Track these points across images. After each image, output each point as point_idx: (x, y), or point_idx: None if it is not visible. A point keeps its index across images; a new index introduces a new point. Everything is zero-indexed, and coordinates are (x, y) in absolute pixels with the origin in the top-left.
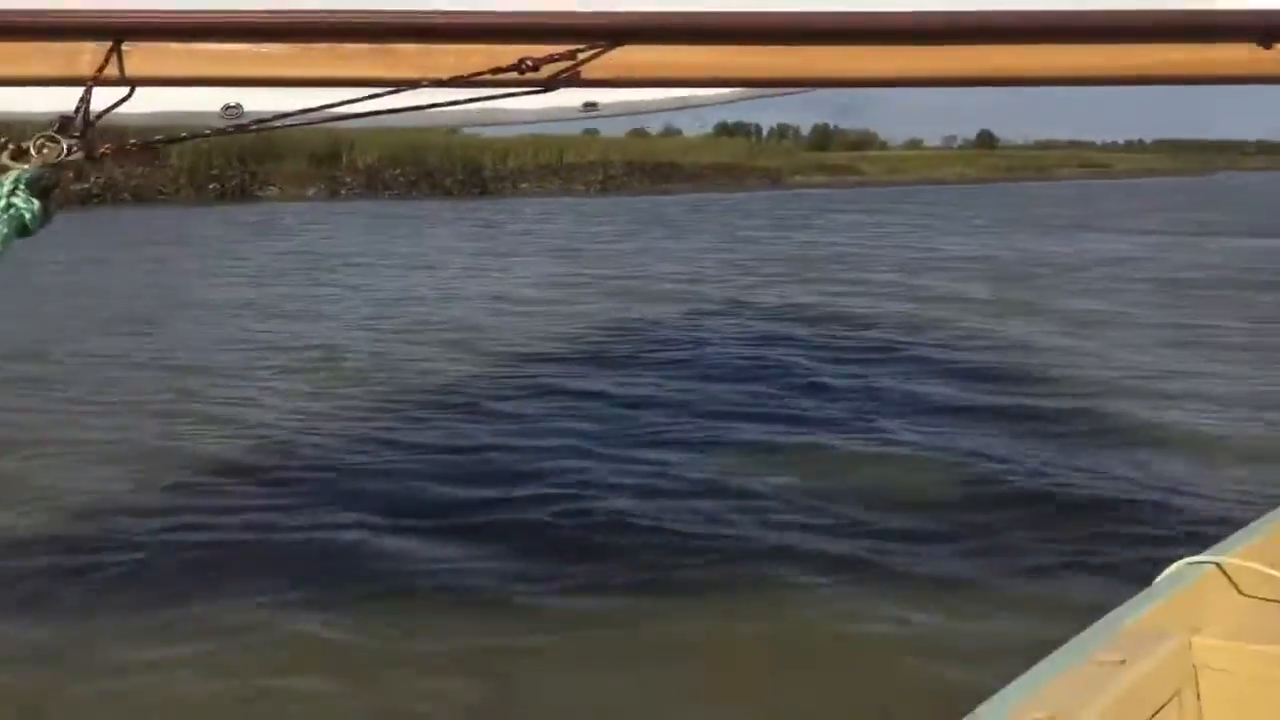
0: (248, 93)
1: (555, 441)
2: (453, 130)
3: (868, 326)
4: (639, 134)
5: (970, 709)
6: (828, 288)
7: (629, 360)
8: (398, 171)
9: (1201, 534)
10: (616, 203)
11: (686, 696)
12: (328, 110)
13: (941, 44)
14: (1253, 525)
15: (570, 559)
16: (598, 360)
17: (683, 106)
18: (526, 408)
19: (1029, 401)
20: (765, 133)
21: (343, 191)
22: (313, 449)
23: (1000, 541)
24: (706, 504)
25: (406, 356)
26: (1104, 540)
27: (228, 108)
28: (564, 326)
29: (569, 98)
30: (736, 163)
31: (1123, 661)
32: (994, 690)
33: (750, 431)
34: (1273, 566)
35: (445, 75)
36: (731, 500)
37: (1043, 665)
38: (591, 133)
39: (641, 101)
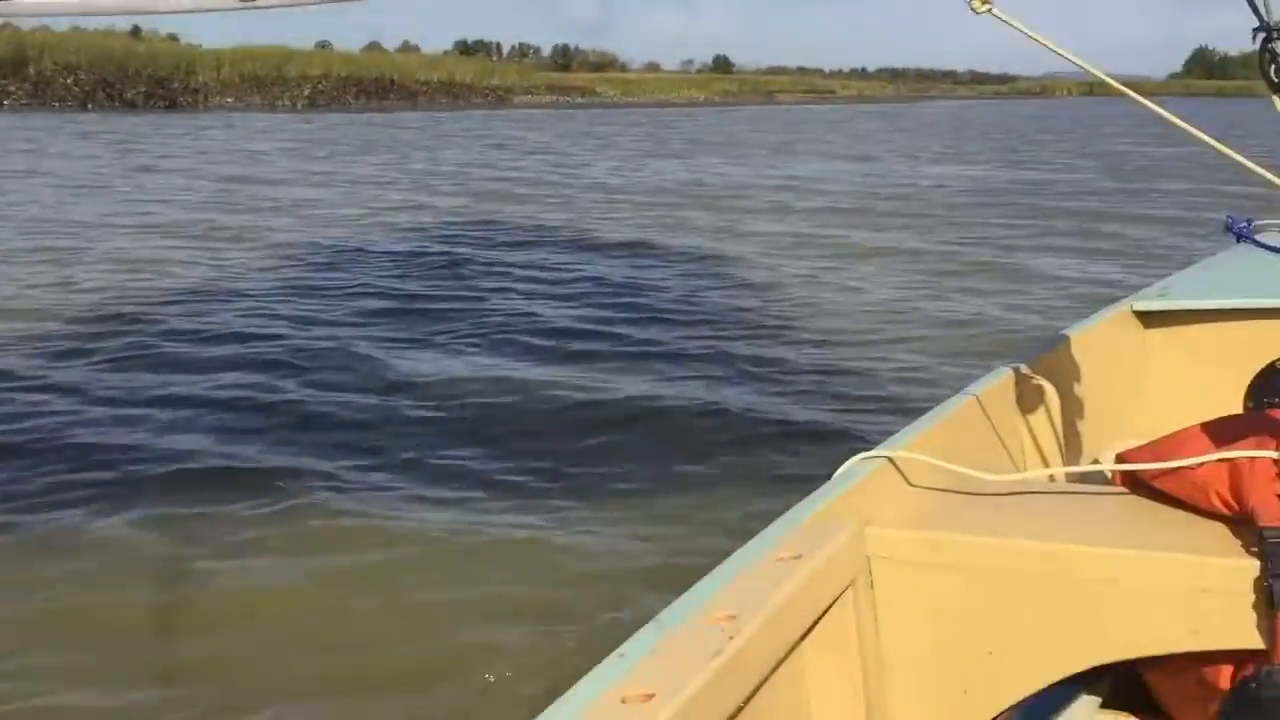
0: None
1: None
2: (136, 34)
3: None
4: (374, 48)
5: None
6: (454, 217)
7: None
8: (71, 80)
9: (876, 429)
10: (309, 119)
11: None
12: None
13: None
14: (919, 420)
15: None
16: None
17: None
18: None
19: (669, 322)
20: (506, 51)
21: (4, 103)
22: None
23: (690, 451)
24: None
25: None
26: (784, 444)
27: None
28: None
29: None
30: (462, 81)
31: (799, 556)
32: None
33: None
34: (937, 457)
35: None
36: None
37: (724, 566)
38: (324, 45)
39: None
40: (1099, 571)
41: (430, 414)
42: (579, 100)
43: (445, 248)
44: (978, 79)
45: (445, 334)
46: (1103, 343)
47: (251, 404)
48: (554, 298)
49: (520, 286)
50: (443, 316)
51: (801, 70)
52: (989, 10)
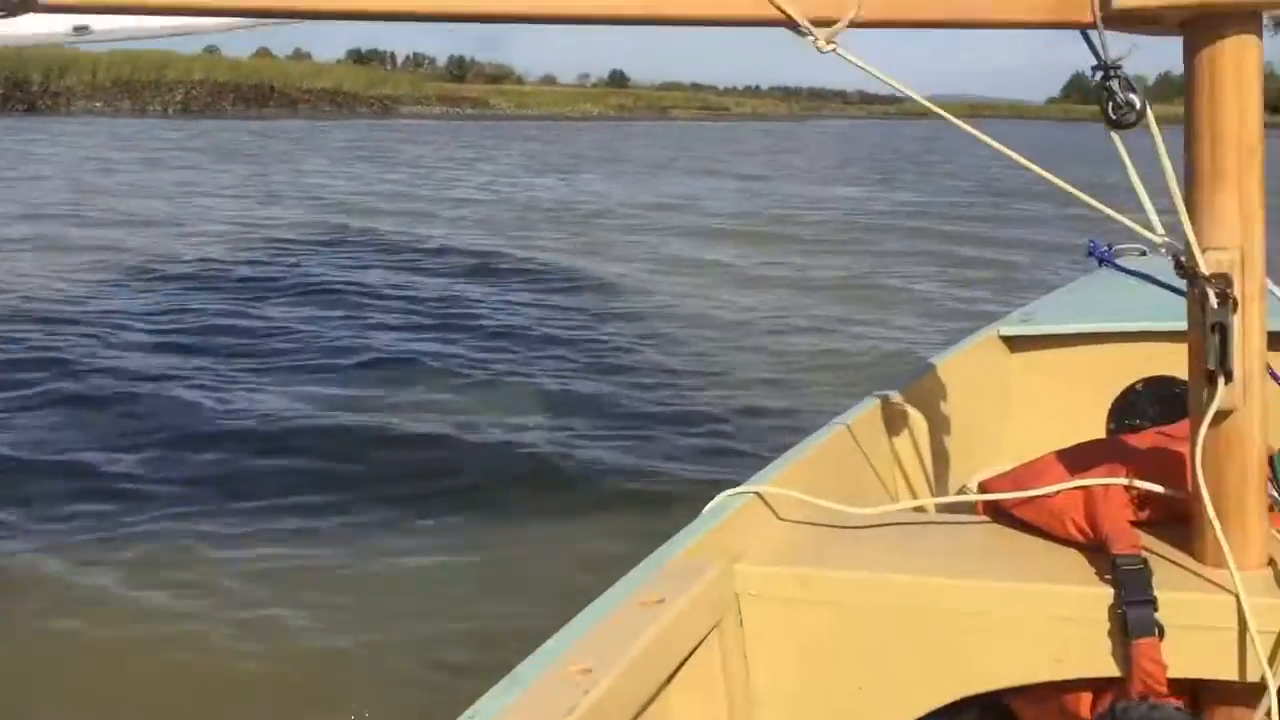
0: None
1: None
2: None
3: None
4: (263, 55)
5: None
6: (299, 233)
7: None
8: None
9: (746, 463)
10: (179, 126)
11: None
12: None
13: None
14: (789, 453)
15: None
16: None
17: (181, 33)
18: None
19: (518, 350)
20: (400, 61)
21: None
22: None
23: (544, 493)
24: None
25: None
26: (650, 482)
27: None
28: None
29: (55, 22)
30: (349, 90)
31: (661, 600)
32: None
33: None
34: (807, 490)
35: None
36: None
37: (582, 616)
38: (212, 50)
39: (140, 27)
40: (964, 603)
41: (237, 450)
42: (470, 112)
43: (283, 267)
44: (867, 99)
45: (261, 363)
46: (970, 369)
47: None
48: (389, 326)
49: (357, 310)
50: (262, 343)
51: (696, 86)
52: (834, 49)
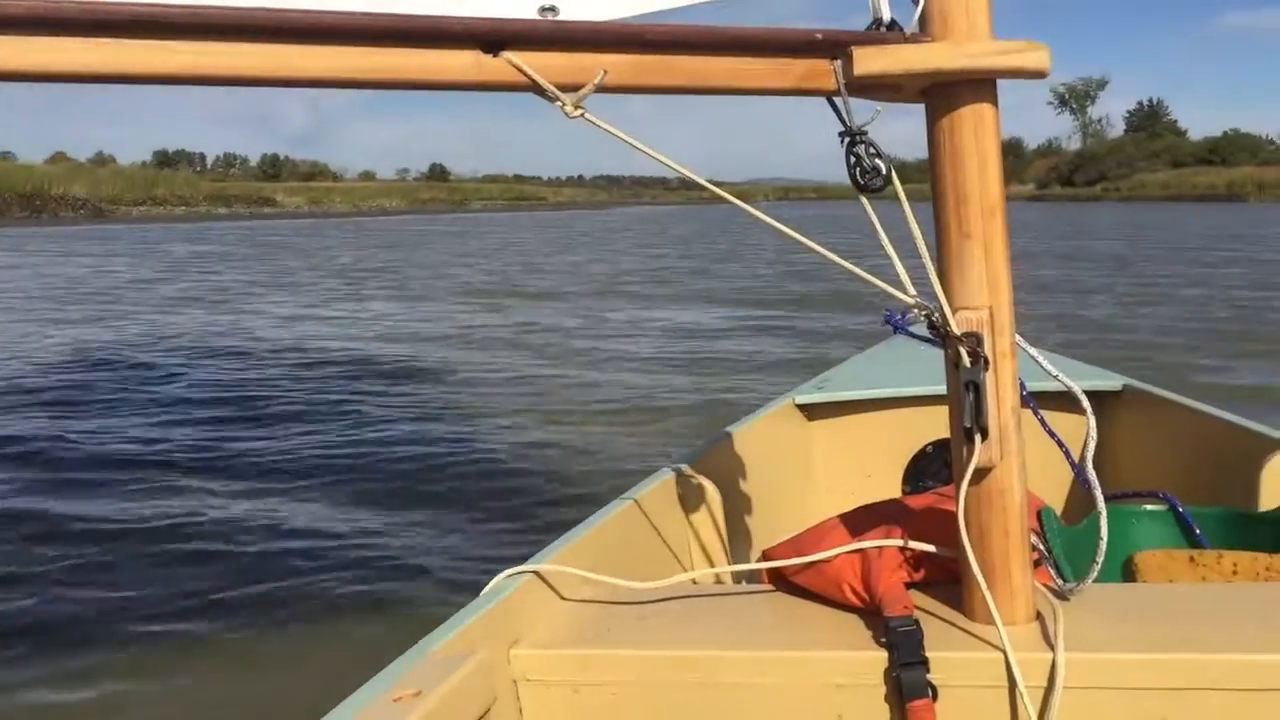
0: None
1: None
2: None
3: None
4: (58, 160)
5: None
6: None
7: None
8: None
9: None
10: None
11: None
12: None
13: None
14: (574, 530)
15: None
16: None
17: None
18: None
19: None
20: (211, 161)
21: None
22: None
23: (294, 584)
24: None
25: None
26: (421, 570)
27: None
28: None
29: None
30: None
31: (418, 693)
32: None
33: None
34: (593, 568)
35: None
36: None
37: (331, 716)
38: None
39: None
40: (740, 675)
41: None
42: (243, 212)
43: None
44: (687, 186)
45: None
46: (767, 437)
47: None
48: None
49: None
50: None
51: (519, 178)
52: (581, 114)
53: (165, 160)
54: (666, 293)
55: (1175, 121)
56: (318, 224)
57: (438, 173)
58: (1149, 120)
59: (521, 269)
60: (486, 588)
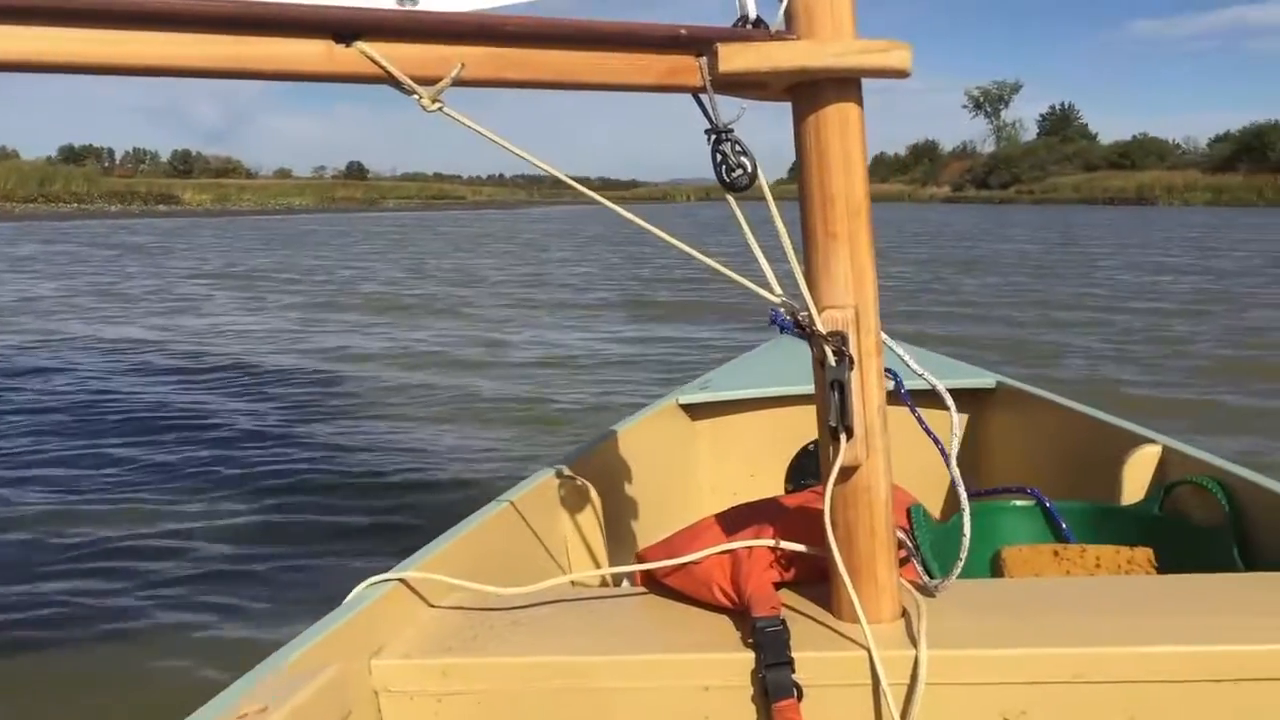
0: None
1: None
2: None
3: None
4: None
5: None
6: None
7: None
8: None
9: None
10: None
11: None
12: None
13: None
14: (445, 535)
15: None
16: None
17: None
18: None
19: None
20: (120, 157)
21: None
22: None
23: (136, 596)
24: None
25: None
26: (279, 577)
27: None
28: None
29: None
30: None
31: (263, 709)
32: None
33: None
34: (462, 574)
35: None
36: None
37: None
38: None
39: None
40: (608, 680)
41: None
42: (134, 210)
43: None
44: (607, 185)
45: None
46: (650, 437)
47: None
48: None
49: None
50: None
51: (439, 176)
52: (440, 108)
53: (71, 155)
54: (550, 298)
55: (1086, 125)
56: (210, 223)
57: (355, 171)
58: (1061, 124)
59: (404, 271)
60: (348, 597)
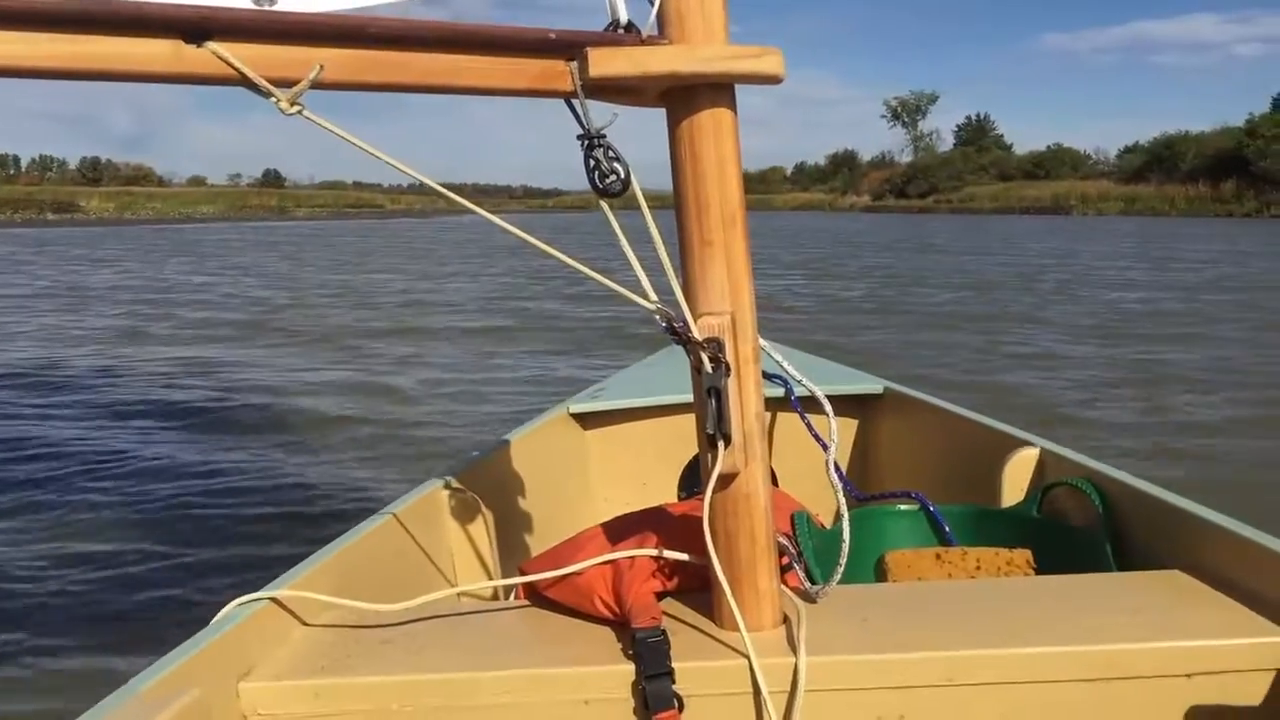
0: None
1: None
2: None
3: None
4: None
5: None
6: None
7: None
8: None
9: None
10: None
11: None
12: None
13: None
14: (321, 550)
15: None
16: None
17: None
18: None
19: None
20: (26, 164)
21: None
22: None
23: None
24: None
25: None
26: (148, 595)
27: None
28: None
29: None
30: None
31: None
32: None
33: None
34: (339, 591)
35: None
36: None
37: None
38: None
39: None
40: (486, 696)
41: None
42: (16, 219)
43: None
44: (530, 194)
45: None
46: (541, 447)
47: None
48: None
49: None
50: None
51: (357, 184)
52: (299, 111)
53: None
54: (438, 311)
55: (1002, 136)
56: (103, 233)
57: (271, 179)
58: (977, 134)
59: (284, 284)
60: (216, 617)
